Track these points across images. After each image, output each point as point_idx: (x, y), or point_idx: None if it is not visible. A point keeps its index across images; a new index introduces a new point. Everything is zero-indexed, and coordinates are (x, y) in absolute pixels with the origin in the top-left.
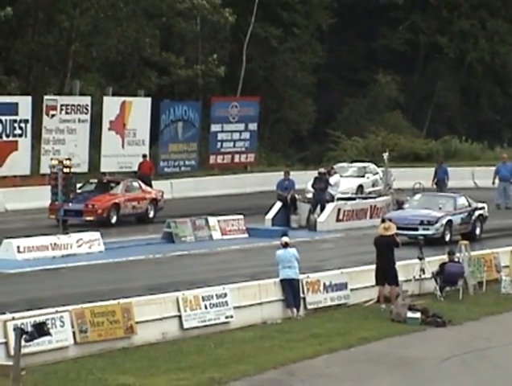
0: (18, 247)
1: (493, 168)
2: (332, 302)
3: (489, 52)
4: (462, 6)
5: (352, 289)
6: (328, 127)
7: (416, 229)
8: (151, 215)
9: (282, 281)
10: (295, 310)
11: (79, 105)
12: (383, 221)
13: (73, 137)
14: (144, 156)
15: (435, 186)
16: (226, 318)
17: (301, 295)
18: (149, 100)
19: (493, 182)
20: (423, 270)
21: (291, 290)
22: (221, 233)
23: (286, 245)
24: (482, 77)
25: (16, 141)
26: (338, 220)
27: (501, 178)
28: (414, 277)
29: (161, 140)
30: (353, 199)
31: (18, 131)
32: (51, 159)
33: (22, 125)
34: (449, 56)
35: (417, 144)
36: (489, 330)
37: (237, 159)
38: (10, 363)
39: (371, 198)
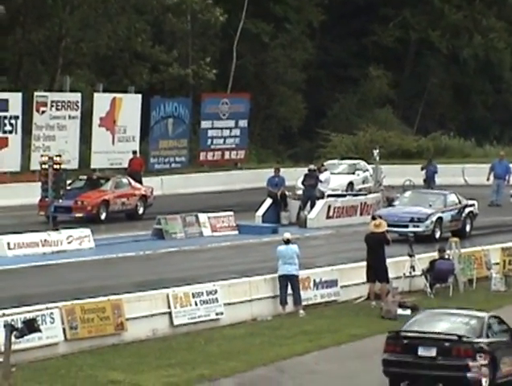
0: (9, 243)
1: (484, 165)
2: (323, 299)
3: (483, 48)
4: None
5: (342, 286)
6: (319, 123)
7: (406, 226)
8: (141, 211)
9: (280, 276)
10: (287, 306)
11: (69, 102)
12: (374, 218)
13: (63, 133)
14: (134, 152)
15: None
16: (216, 314)
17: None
18: (139, 96)
19: (488, 179)
20: (413, 267)
21: (290, 287)
22: (211, 230)
23: (288, 242)
24: (474, 74)
25: (6, 138)
26: (328, 217)
27: (495, 175)
28: (404, 274)
29: (151, 136)
30: (344, 195)
31: (8, 127)
32: (42, 156)
33: (13, 121)
34: (441, 53)
35: (406, 141)
36: None
37: (227, 156)
38: (1, 359)
39: (361, 195)
